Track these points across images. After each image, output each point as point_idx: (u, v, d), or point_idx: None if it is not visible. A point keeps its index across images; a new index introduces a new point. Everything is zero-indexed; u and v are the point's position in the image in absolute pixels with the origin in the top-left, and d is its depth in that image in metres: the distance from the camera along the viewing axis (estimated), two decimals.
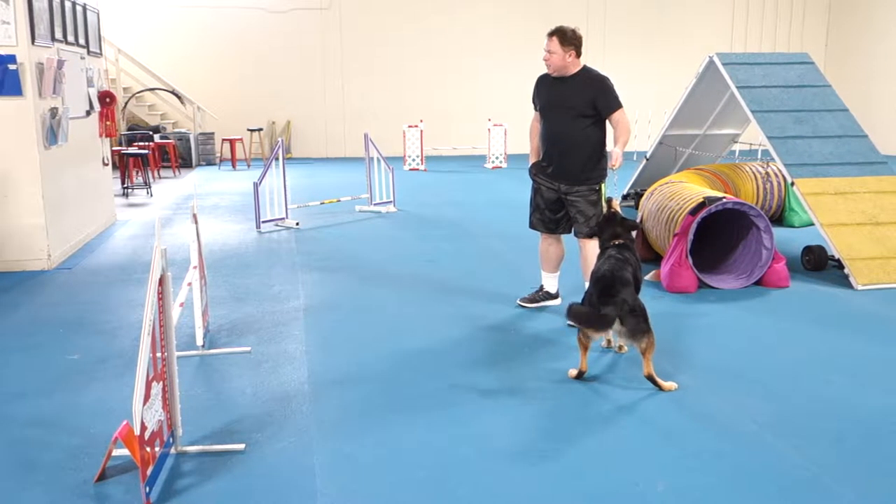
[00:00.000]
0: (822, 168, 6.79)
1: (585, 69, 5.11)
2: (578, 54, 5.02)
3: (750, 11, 18.11)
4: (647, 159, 9.53)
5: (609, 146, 5.09)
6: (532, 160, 5.38)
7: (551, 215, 5.33)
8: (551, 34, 5.01)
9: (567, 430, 3.63)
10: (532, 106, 5.36)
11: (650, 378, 4.02)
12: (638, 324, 4.01)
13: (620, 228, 4.64)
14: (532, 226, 5.45)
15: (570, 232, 5.37)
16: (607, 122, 5.11)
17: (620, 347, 4.60)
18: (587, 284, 5.14)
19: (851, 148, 7.02)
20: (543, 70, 5.24)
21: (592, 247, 5.02)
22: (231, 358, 4.59)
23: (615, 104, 5.04)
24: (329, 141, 17.01)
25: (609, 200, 4.92)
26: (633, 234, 4.74)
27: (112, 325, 5.24)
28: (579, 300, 5.23)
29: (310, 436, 3.57)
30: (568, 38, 4.98)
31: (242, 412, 3.82)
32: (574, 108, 5.04)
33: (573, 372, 4.21)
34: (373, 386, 4.16)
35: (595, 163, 5.10)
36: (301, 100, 16.65)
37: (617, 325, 4.01)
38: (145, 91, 15.47)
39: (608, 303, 4.02)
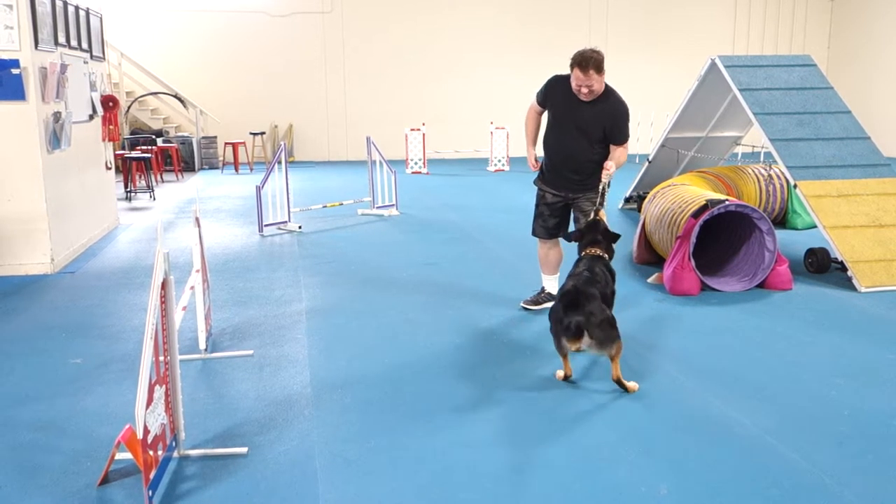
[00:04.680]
0: (824, 170, 6.79)
1: (609, 92, 5.02)
2: None
3: (752, 13, 18.11)
4: (650, 162, 9.53)
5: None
6: (531, 151, 5.33)
7: (553, 220, 5.34)
8: (585, 66, 4.77)
9: (570, 433, 3.63)
10: (535, 97, 5.28)
11: (617, 381, 4.07)
12: (605, 334, 4.00)
13: (601, 236, 4.65)
14: (535, 233, 5.46)
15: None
16: None
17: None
18: None
19: (854, 150, 7.02)
20: (550, 72, 5.20)
21: None
22: (233, 361, 4.59)
23: (625, 137, 5.04)
24: (331, 144, 17.02)
25: (597, 210, 4.92)
26: (613, 245, 4.69)
27: (115, 328, 5.24)
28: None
29: (312, 439, 3.57)
30: (602, 64, 4.83)
31: (245, 416, 3.83)
32: (590, 131, 5.01)
33: (560, 374, 4.27)
34: (375, 389, 4.16)
35: (600, 170, 5.11)
36: (303, 103, 16.66)
37: (586, 339, 4.00)
38: (148, 95, 15.49)
39: (573, 315, 4.01)
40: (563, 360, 4.22)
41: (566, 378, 4.23)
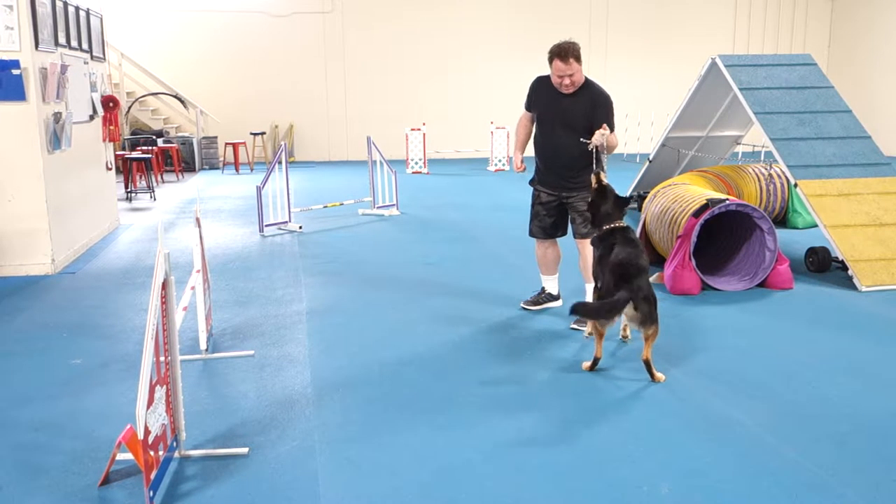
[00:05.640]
0: (825, 169, 6.79)
1: (588, 83, 5.04)
2: None
3: (752, 13, 18.11)
4: (650, 161, 9.52)
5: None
6: (517, 156, 5.35)
7: (550, 220, 5.33)
8: (565, 56, 4.82)
9: (569, 433, 3.63)
10: (524, 106, 5.31)
11: (647, 363, 4.19)
12: (650, 311, 4.18)
13: (613, 206, 4.59)
14: (532, 233, 5.45)
15: (566, 234, 5.39)
16: None
17: (625, 337, 4.78)
18: (587, 286, 5.17)
19: (854, 149, 7.01)
20: (543, 72, 5.22)
21: (590, 247, 5.06)
22: (234, 362, 4.59)
23: (609, 126, 5.00)
24: (332, 144, 17.02)
25: (597, 174, 4.78)
26: (625, 210, 4.66)
27: (115, 329, 5.24)
28: (581, 300, 5.27)
29: (313, 439, 3.57)
30: (579, 53, 4.88)
31: (246, 416, 3.83)
32: (578, 125, 5.01)
33: (587, 364, 4.36)
34: (376, 389, 4.16)
35: (590, 166, 5.10)
36: (303, 103, 16.66)
37: (630, 310, 4.15)
38: (148, 95, 15.50)
39: (623, 288, 4.15)
40: (598, 340, 4.31)
41: (595, 363, 4.32)
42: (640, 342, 4.54)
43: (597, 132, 4.90)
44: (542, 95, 5.18)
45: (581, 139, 4.96)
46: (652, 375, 4.18)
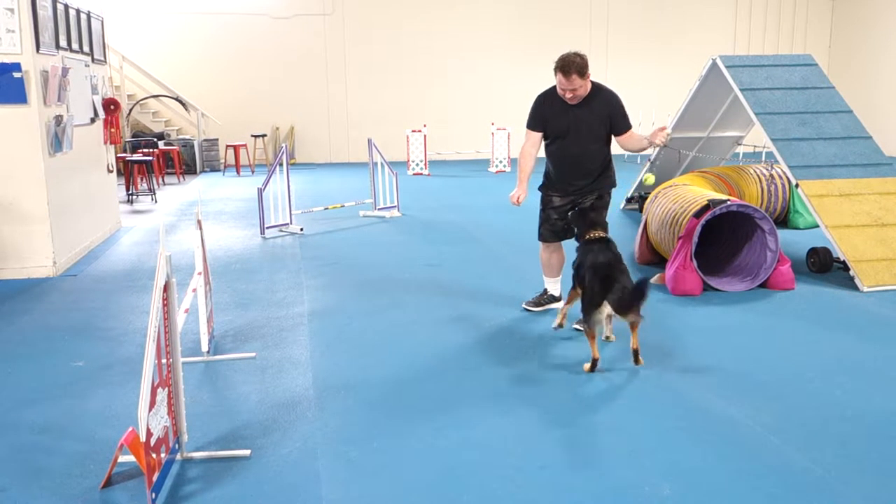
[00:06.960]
0: (826, 170, 6.78)
1: (596, 87, 5.02)
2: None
3: (753, 13, 18.11)
4: (651, 162, 9.52)
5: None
6: (522, 189, 5.15)
7: (561, 223, 5.30)
8: (568, 71, 4.77)
9: (571, 433, 3.63)
10: (528, 126, 5.21)
11: (636, 351, 4.43)
12: (631, 301, 4.33)
13: (595, 216, 4.89)
14: (542, 238, 5.41)
15: (574, 236, 5.38)
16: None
17: (608, 337, 4.85)
18: None
19: (856, 149, 7.01)
20: (545, 80, 5.19)
21: None
22: (236, 364, 4.60)
23: (627, 123, 5.05)
24: (333, 146, 17.02)
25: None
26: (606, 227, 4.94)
27: (117, 331, 5.25)
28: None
29: (315, 441, 3.57)
30: (585, 68, 4.82)
31: (247, 418, 3.83)
32: (593, 130, 5.00)
33: (587, 366, 4.37)
34: (378, 391, 4.16)
35: (607, 170, 5.17)
36: (304, 105, 16.67)
37: (617, 307, 4.34)
38: (150, 98, 15.51)
39: (612, 290, 4.35)
40: (592, 342, 4.37)
41: (594, 364, 4.35)
42: (645, 347, 4.54)
43: (659, 134, 4.86)
44: (552, 108, 5.09)
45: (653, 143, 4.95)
46: (637, 361, 4.40)
